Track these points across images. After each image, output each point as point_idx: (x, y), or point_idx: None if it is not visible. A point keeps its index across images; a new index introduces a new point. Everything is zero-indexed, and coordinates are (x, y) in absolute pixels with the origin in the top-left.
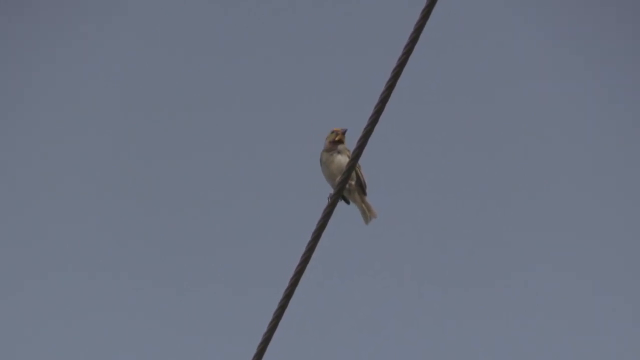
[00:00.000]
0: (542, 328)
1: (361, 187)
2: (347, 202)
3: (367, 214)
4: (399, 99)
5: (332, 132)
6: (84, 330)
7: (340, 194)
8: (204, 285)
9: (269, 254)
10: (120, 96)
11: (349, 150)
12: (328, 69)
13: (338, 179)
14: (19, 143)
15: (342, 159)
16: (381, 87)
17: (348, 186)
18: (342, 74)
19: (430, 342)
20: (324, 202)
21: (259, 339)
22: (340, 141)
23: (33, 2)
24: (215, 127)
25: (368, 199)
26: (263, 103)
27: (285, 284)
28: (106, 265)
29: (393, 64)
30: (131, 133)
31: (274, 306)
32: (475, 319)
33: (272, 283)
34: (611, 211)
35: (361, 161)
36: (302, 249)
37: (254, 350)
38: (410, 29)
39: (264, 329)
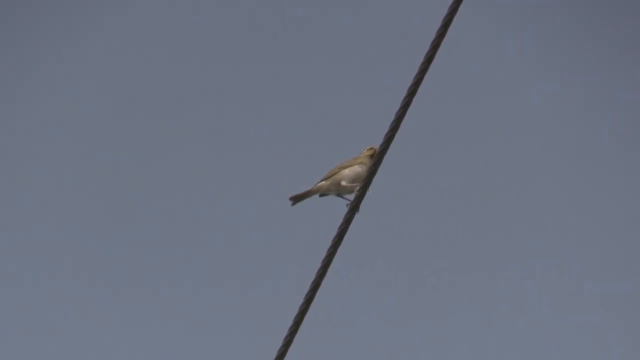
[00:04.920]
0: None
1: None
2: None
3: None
4: (396, 98)
5: (370, 148)
6: (85, 331)
7: (368, 187)
8: (222, 286)
9: (287, 260)
10: (115, 95)
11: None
12: (343, 74)
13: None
14: (15, 142)
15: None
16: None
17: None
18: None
19: (438, 338)
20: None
21: (282, 337)
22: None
23: (31, 2)
24: (226, 126)
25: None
26: (270, 103)
27: (306, 288)
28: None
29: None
30: (131, 133)
31: (294, 310)
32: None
33: (291, 288)
34: (605, 209)
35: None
36: (323, 253)
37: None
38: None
39: (285, 330)
